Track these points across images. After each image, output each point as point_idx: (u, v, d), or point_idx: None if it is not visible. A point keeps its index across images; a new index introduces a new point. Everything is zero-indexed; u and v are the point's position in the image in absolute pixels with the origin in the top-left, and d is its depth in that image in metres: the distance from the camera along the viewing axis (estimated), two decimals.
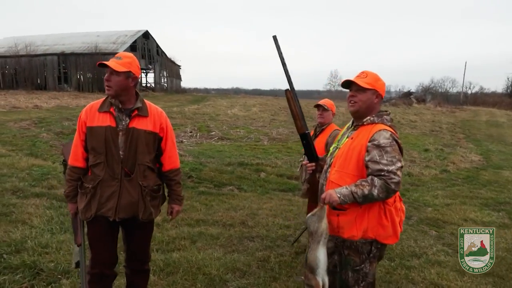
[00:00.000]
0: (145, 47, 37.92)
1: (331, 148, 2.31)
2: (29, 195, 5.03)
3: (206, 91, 56.70)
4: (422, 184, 7.72)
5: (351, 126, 2.21)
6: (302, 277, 2.16)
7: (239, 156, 8.82)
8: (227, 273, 3.29)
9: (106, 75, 2.21)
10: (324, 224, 2.01)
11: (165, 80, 42.28)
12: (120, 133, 2.27)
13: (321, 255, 2.00)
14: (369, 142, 1.99)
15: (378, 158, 1.94)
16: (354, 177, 2.02)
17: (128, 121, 2.28)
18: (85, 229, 2.47)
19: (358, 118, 2.16)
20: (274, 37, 2.36)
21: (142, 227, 2.45)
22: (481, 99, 41.30)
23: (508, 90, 48.10)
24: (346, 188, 1.97)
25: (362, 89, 2.08)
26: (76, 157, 2.32)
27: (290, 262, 3.60)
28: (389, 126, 2.06)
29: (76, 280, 2.98)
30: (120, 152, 2.26)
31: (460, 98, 43.02)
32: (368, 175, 1.97)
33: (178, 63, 44.57)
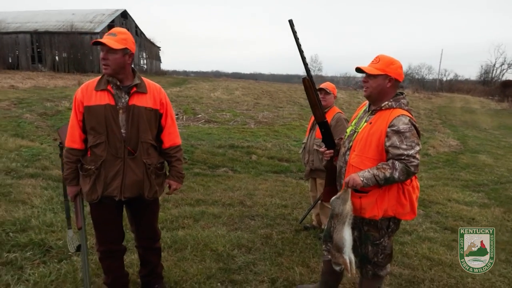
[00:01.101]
0: (123, 27, 36.66)
1: (348, 131, 2.38)
2: (24, 175, 4.97)
3: (186, 73, 55.92)
4: None
5: (368, 111, 2.29)
6: (329, 256, 2.29)
7: (229, 138, 8.88)
8: (234, 249, 3.42)
9: (102, 53, 2.14)
10: (348, 206, 2.11)
11: (145, 62, 41.34)
12: (120, 111, 2.21)
13: (346, 235, 2.12)
14: (389, 127, 2.08)
15: (398, 143, 2.04)
16: (374, 161, 2.12)
17: (128, 98, 2.22)
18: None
19: (373, 102, 2.25)
20: (290, 21, 2.26)
21: (148, 205, 2.46)
22: (456, 86, 42.50)
23: (482, 78, 49.79)
24: (368, 172, 2.06)
25: (373, 75, 2.16)
26: (73, 139, 2.25)
27: (292, 238, 3.76)
28: (406, 110, 2.15)
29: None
30: (122, 131, 2.22)
31: (436, 85, 44.16)
32: (388, 159, 2.07)
33: (158, 44, 43.61)
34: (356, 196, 2.16)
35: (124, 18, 36.84)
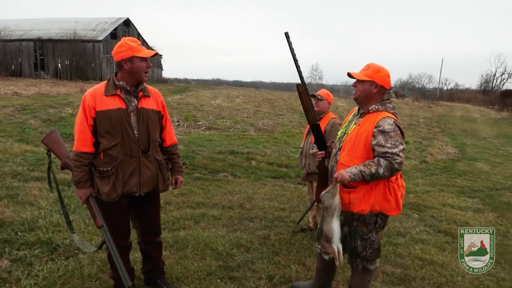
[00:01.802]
0: (126, 35, 37.17)
1: (339, 133, 2.58)
2: (29, 178, 5.12)
3: (187, 81, 56.29)
4: (403, 173, 8.09)
5: (358, 114, 2.48)
6: (319, 247, 2.45)
7: (229, 145, 9.04)
8: (233, 249, 3.55)
9: (148, 63, 2.43)
10: (337, 199, 2.29)
11: None
12: (132, 114, 2.40)
13: (335, 226, 2.29)
14: (375, 128, 2.26)
15: (383, 142, 2.21)
16: (362, 159, 2.29)
17: (136, 102, 2.42)
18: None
19: (361, 105, 2.46)
20: (286, 34, 2.47)
21: (153, 200, 2.64)
22: (456, 95, 42.76)
23: (482, 87, 50.09)
24: (356, 168, 2.24)
25: (362, 80, 2.37)
26: (84, 143, 2.35)
27: (289, 239, 3.90)
28: (392, 113, 2.33)
29: (93, 254, 3.18)
30: (135, 132, 2.40)
31: (437, 94, 44.44)
32: (374, 157, 2.25)
33: (159, 52, 44.02)
34: (345, 191, 2.32)
35: (126, 26, 37.27)
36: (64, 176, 5.12)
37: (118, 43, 2.40)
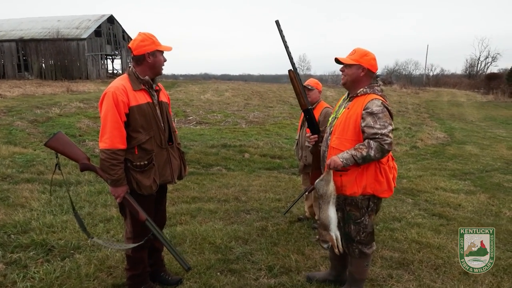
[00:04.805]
0: (110, 32, 36.63)
1: (330, 118, 2.60)
2: (20, 180, 5.02)
3: (174, 77, 55.77)
4: (395, 159, 8.24)
5: (347, 98, 2.50)
6: (317, 237, 2.44)
7: (221, 139, 9.00)
8: (231, 241, 3.54)
9: (164, 57, 2.46)
10: (331, 186, 2.29)
11: None
12: (156, 107, 2.45)
13: (332, 214, 2.29)
14: (364, 110, 2.28)
15: (372, 123, 2.23)
16: (352, 141, 2.31)
17: (157, 96, 2.48)
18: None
19: (349, 90, 2.48)
20: (277, 22, 2.52)
21: (165, 191, 2.71)
22: (443, 80, 43.27)
23: (467, 72, 50.70)
24: (347, 153, 2.25)
25: (349, 65, 2.39)
26: (120, 140, 2.28)
27: (287, 229, 3.89)
28: (380, 96, 2.35)
29: (89, 254, 3.14)
30: (161, 124, 2.45)
31: (423, 80, 44.84)
32: (364, 139, 2.26)
33: None
34: (337, 174, 2.34)
35: (110, 23, 36.64)
36: (55, 176, 5.02)
37: (140, 37, 2.36)
